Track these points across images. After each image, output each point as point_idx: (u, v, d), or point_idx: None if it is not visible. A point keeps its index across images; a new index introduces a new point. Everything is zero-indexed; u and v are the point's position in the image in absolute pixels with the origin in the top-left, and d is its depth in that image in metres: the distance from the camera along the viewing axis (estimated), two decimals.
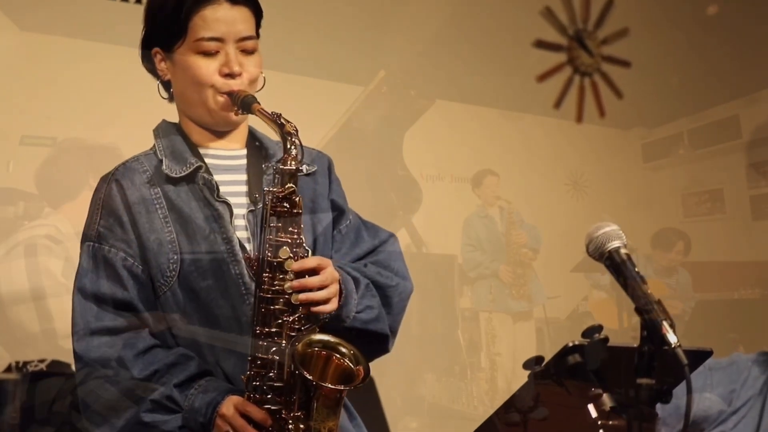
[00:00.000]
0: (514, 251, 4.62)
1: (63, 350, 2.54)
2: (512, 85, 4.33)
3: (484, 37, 4.10)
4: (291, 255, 1.30)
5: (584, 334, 1.16)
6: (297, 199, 1.32)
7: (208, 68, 1.40)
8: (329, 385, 1.26)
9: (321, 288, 1.31)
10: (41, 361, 2.44)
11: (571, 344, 1.16)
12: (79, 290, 1.37)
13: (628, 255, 1.19)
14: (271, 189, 1.33)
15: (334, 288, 1.33)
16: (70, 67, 3.19)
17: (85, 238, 1.40)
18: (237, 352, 1.36)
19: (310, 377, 1.24)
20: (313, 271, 1.31)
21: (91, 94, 3.20)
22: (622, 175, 5.53)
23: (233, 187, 1.45)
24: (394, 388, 3.75)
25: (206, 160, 1.46)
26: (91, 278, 1.37)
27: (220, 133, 1.48)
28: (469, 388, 4.21)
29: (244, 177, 1.47)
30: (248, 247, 1.41)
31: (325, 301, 1.31)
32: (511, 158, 4.89)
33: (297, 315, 1.30)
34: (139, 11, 1.49)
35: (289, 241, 1.32)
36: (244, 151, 1.50)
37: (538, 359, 1.20)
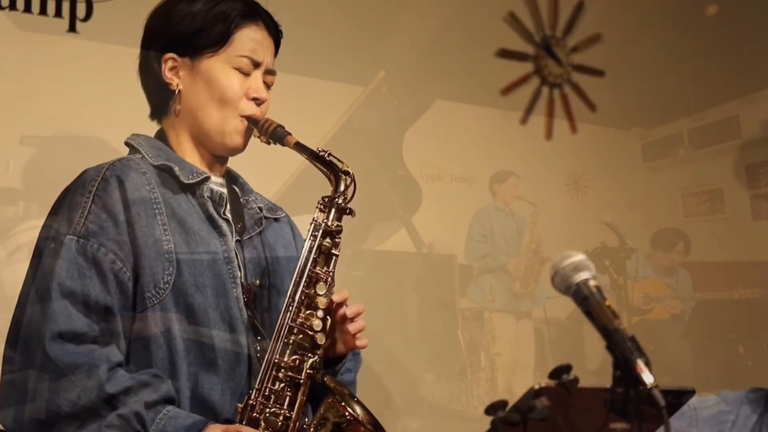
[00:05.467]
0: (534, 249, 4.63)
1: None
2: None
3: (484, 37, 4.09)
4: (326, 292, 1.27)
5: (552, 375, 1.06)
6: (338, 240, 1.30)
7: (239, 87, 1.35)
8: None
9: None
10: None
11: (537, 387, 1.05)
12: (59, 285, 1.20)
13: (598, 287, 1.07)
14: (321, 221, 1.29)
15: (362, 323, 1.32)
16: (70, 67, 3.19)
17: (65, 230, 1.24)
18: (225, 380, 1.27)
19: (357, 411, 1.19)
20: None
21: (91, 94, 3.19)
22: (622, 175, 5.52)
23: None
24: (394, 388, 3.74)
25: None
26: (72, 275, 1.21)
27: (214, 158, 1.41)
28: (469, 388, 4.20)
29: (227, 207, 1.40)
30: (239, 274, 1.33)
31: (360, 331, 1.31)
32: (511, 158, 4.89)
33: (317, 354, 1.26)
34: (140, 11, 1.46)
35: (324, 278, 1.28)
36: (224, 181, 1.44)
37: (502, 403, 1.09)
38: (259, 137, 1.36)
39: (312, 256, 1.28)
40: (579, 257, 1.10)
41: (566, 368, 1.06)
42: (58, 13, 2.76)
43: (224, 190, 1.38)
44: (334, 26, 3.86)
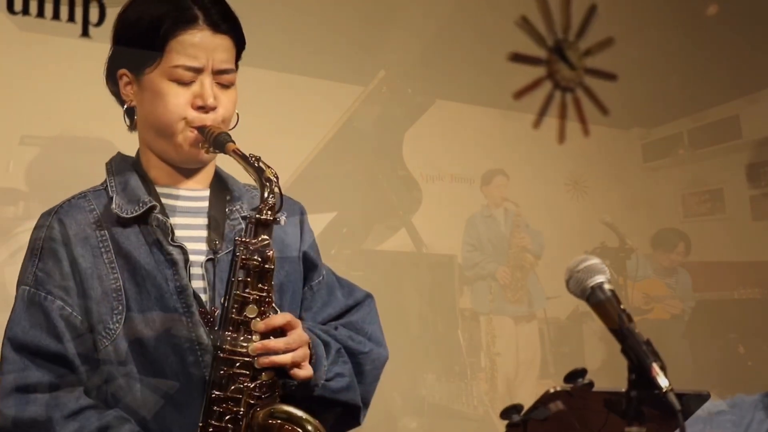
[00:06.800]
0: (515, 254, 4.62)
1: None
2: (513, 85, 4.32)
3: (485, 36, 4.10)
4: (258, 314, 1.21)
5: (567, 379, 1.05)
6: (270, 253, 1.22)
7: (182, 98, 1.28)
8: None
9: (287, 351, 1.20)
10: None
11: (552, 390, 1.04)
12: (10, 340, 1.24)
13: (612, 291, 1.07)
14: (243, 239, 1.23)
15: (302, 352, 1.23)
16: (70, 67, 3.19)
17: (21, 281, 1.29)
18: (187, 416, 1.23)
19: None
20: (281, 331, 1.22)
21: (91, 94, 3.20)
22: (622, 175, 5.53)
23: (192, 231, 1.33)
24: (394, 388, 3.74)
25: (163, 200, 1.33)
26: (24, 327, 1.24)
27: (183, 170, 1.36)
28: (469, 388, 4.21)
29: (204, 221, 1.34)
30: (204, 297, 1.28)
31: (293, 366, 1.22)
32: (511, 158, 4.89)
33: (259, 381, 1.20)
34: None
35: (258, 298, 1.22)
36: (207, 193, 1.38)
37: (517, 408, 1.07)
38: (204, 148, 1.29)
39: (238, 278, 1.22)
40: (593, 261, 1.10)
41: (581, 372, 1.05)
42: (71, 18, 2.73)
43: (168, 219, 1.30)
44: (334, 26, 3.86)
